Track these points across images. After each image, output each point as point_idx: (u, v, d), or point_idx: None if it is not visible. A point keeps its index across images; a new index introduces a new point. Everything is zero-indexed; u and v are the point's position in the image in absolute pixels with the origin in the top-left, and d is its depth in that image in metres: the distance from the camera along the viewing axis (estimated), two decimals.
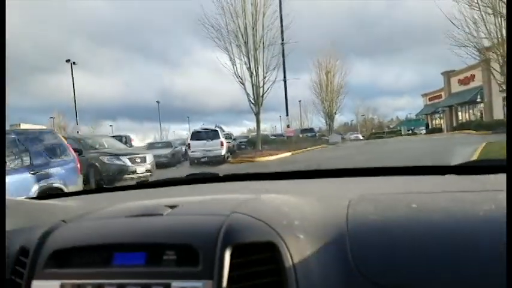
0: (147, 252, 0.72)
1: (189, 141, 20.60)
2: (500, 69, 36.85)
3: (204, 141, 20.08)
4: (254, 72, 22.24)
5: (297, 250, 0.71)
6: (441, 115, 53.85)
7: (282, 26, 23.51)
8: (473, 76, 41.67)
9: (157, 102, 73.04)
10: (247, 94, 22.27)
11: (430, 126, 58.29)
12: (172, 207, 0.85)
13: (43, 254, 0.78)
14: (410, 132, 73.37)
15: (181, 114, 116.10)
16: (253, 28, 21.79)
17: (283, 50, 24.46)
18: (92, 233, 0.81)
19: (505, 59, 24.91)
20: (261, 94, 22.53)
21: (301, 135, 37.42)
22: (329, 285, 0.69)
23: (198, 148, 20.03)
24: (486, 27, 25.71)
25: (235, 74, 22.09)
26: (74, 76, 30.31)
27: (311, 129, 40.92)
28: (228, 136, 28.20)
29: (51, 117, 66.17)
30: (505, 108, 30.73)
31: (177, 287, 0.68)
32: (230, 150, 26.38)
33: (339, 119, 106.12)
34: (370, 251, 0.71)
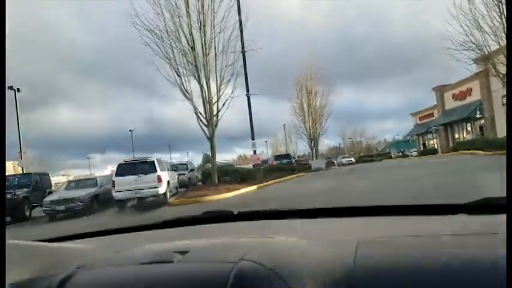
0: None
1: (114, 177, 15.25)
2: (502, 80, 32.52)
3: (135, 177, 14.78)
4: (205, 86, 17.18)
5: None
6: (434, 135, 49.34)
7: (241, 29, 18.68)
8: (469, 90, 37.32)
9: (130, 131, 68.79)
10: (197, 113, 17.18)
11: (421, 147, 53.68)
12: (182, 252, 0.86)
13: None
14: (401, 154, 69.15)
15: (170, 144, 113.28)
16: (200, 29, 16.90)
17: (244, 59, 19.57)
18: (105, 281, 0.83)
19: (505, 60, 20.69)
20: (214, 112, 17.41)
21: (275, 163, 32.47)
22: None
23: (126, 186, 14.70)
24: (490, 24, 21.17)
25: (182, 88, 17.02)
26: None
27: (286, 155, 35.43)
28: (183, 167, 22.94)
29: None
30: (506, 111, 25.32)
31: None
32: (186, 184, 21.12)
33: (327, 142, 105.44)
34: None
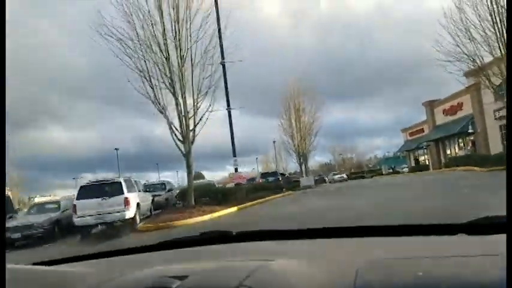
0: None
1: (75, 201, 13.66)
2: (495, 92, 31.69)
3: (98, 200, 13.23)
4: (180, 99, 15.83)
5: None
6: (425, 151, 48.38)
7: (220, 38, 17.46)
8: (460, 104, 36.50)
9: (116, 149, 66.98)
10: (171, 128, 15.76)
11: (412, 163, 52.66)
12: (181, 278, 0.86)
13: None
14: (391, 170, 68.15)
15: (159, 162, 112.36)
16: (175, 38, 15.61)
17: (224, 71, 18.31)
18: None
19: (499, 72, 19.80)
20: (191, 127, 16.01)
21: (261, 181, 31.01)
22: None
23: (89, 211, 13.14)
24: (481, 34, 20.22)
25: (154, 101, 15.62)
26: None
27: (273, 173, 33.62)
28: (160, 187, 21.31)
29: None
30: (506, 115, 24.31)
31: None
32: (162, 206, 19.49)
33: (318, 159, 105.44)
34: None
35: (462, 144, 37.75)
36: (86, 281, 0.98)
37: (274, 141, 66.92)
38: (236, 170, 18.75)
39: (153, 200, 18.18)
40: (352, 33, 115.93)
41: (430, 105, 42.38)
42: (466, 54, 20.90)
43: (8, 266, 0.88)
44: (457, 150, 38.88)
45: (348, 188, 27.12)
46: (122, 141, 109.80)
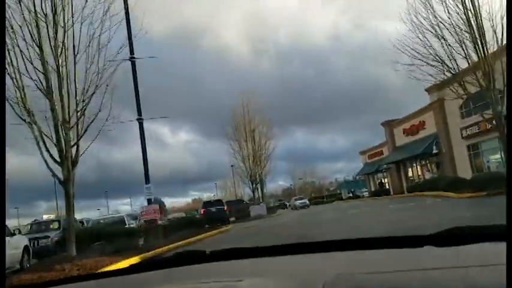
0: None
1: None
2: (463, 108, 28.87)
3: None
4: (58, 101, 11.09)
5: None
6: (385, 174, 45.40)
7: (128, 24, 13.03)
8: (422, 123, 33.64)
9: (53, 176, 59.68)
10: (38, 142, 10.89)
11: (372, 188, 49.57)
12: None
13: None
14: (352, 195, 65.09)
15: (122, 189, 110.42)
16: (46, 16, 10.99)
17: (133, 69, 13.80)
18: None
19: (505, 60, 16.43)
20: (73, 140, 11.24)
21: (203, 211, 26.23)
22: None
23: None
24: (453, 33, 16.94)
25: (19, 103, 10.78)
26: None
27: (217, 202, 27.90)
28: (51, 226, 15.93)
29: None
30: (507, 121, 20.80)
31: None
32: (49, 253, 14.22)
33: (282, 184, 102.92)
34: None
35: (426, 166, 34.75)
36: None
37: (232, 166, 62.54)
38: (149, 201, 13.95)
39: (30, 244, 13.12)
40: (310, 60, 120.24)
41: (389, 125, 39.51)
42: (435, 55, 17.40)
43: None
44: (419, 173, 35.85)
45: (307, 217, 22.87)
46: (79, 169, 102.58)
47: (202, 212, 26.44)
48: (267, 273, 1.10)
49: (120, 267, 1.57)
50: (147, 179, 13.64)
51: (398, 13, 18.65)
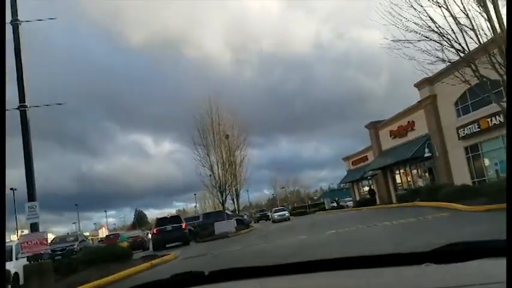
0: None
1: None
2: (458, 104, 25.17)
3: None
4: None
5: None
6: (370, 181, 41.60)
7: None
8: (411, 124, 29.88)
9: (12, 189, 54.97)
10: None
11: (356, 197, 45.74)
12: None
13: None
14: (336, 205, 61.20)
15: (105, 201, 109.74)
16: None
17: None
18: None
19: (504, 58, 12.91)
20: None
21: (156, 231, 21.78)
22: None
23: None
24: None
25: None
26: None
27: (175, 218, 22.83)
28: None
29: None
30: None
31: None
32: None
33: (267, 193, 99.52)
34: None
35: (417, 172, 30.96)
36: None
37: (210, 175, 58.09)
38: (34, 227, 9.30)
39: None
40: (293, 68, 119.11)
41: (374, 127, 35.69)
42: (439, 29, 13.51)
43: None
44: (409, 180, 32.04)
45: (278, 237, 18.66)
46: (60, 179, 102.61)
47: (154, 232, 22.00)
48: None
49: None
50: (30, 195, 9.28)
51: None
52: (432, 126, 26.85)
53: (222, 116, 31.66)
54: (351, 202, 49.15)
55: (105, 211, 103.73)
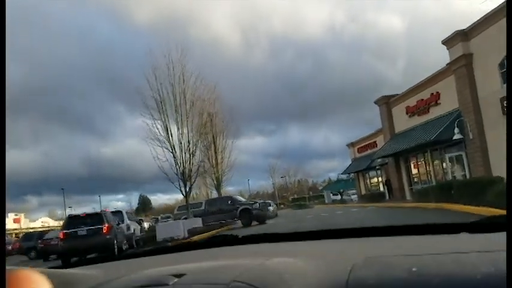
0: None
1: None
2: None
3: None
4: None
5: None
6: (379, 172, 34.46)
7: None
8: (436, 96, 22.52)
9: None
10: None
11: (362, 190, 38.62)
12: (178, 275, 0.89)
13: None
14: (340, 197, 54.08)
15: (114, 185, 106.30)
16: None
17: None
18: None
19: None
20: None
21: (62, 235, 14.92)
22: None
23: None
24: None
25: None
26: None
27: (92, 216, 15.43)
28: None
29: None
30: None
31: None
32: None
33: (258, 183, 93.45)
34: None
35: (440, 161, 23.62)
36: (87, 281, 1.02)
37: (166, 160, 51.15)
38: None
39: None
40: (305, 53, 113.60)
41: (387, 103, 28.31)
42: None
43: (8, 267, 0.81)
44: (429, 170, 24.75)
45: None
46: (69, 162, 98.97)
47: (61, 237, 15.21)
48: (296, 255, 1.09)
49: (154, 249, 1.71)
50: None
51: None
52: (465, 98, 19.52)
53: (191, 86, 24.52)
54: (355, 196, 42.07)
55: (99, 195, 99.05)
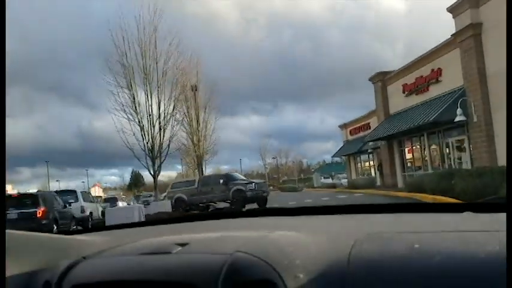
0: None
1: None
2: None
3: None
4: None
5: None
6: (371, 156, 32.14)
7: None
8: (437, 72, 19.91)
9: None
10: None
11: (352, 174, 36.39)
12: (182, 245, 0.90)
13: None
14: (331, 180, 51.86)
15: (106, 159, 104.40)
16: None
17: None
18: (107, 270, 0.89)
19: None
20: None
21: None
22: None
23: None
24: None
25: None
26: None
27: (24, 198, 12.70)
28: None
29: None
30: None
31: None
32: None
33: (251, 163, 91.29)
34: None
35: (438, 146, 21.20)
36: (91, 247, 1.04)
37: (133, 134, 48.64)
38: None
39: None
40: (303, 32, 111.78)
41: (382, 80, 25.66)
42: None
43: (7, 231, 0.96)
44: (424, 155, 22.35)
45: None
46: (62, 134, 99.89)
47: None
48: (298, 229, 1.09)
49: (160, 219, 1.80)
50: None
51: None
52: (470, 74, 16.95)
53: (165, 53, 21.73)
54: (346, 180, 39.81)
55: (86, 169, 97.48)
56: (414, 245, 0.80)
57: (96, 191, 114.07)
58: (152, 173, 21.43)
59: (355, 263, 0.77)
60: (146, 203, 26.04)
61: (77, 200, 18.18)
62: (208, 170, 35.87)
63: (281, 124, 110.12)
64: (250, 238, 0.92)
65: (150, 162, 21.20)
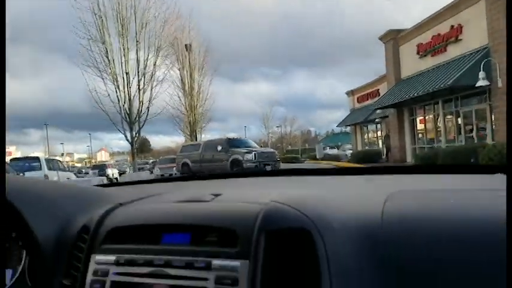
0: (191, 233, 0.80)
1: None
2: None
3: None
4: None
5: (330, 239, 0.74)
6: (379, 126, 29.54)
7: None
8: (457, 30, 17.02)
9: None
10: None
11: (358, 145, 33.90)
12: (216, 195, 0.93)
13: (101, 232, 0.87)
14: (336, 151, 49.29)
15: (116, 122, 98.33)
16: None
17: None
18: (144, 214, 0.90)
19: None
20: None
21: None
22: (361, 273, 0.73)
23: None
24: None
25: None
26: None
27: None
28: None
29: None
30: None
31: (217, 264, 0.75)
32: None
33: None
34: (403, 243, 0.74)
35: (454, 115, 18.55)
36: (129, 197, 1.04)
37: (107, 95, 46.45)
38: None
39: None
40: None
41: (394, 39, 22.70)
42: None
43: (55, 180, 1.07)
44: (438, 126, 19.75)
45: None
46: (71, 95, 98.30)
47: None
48: (330, 186, 1.08)
49: (196, 175, 1.78)
50: None
51: None
52: (497, 29, 14.12)
53: (144, 2, 19.02)
54: (351, 151, 37.32)
55: (89, 133, 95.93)
56: (450, 200, 0.81)
57: (103, 156, 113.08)
58: (130, 138, 19.28)
59: (389, 215, 0.78)
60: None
61: (40, 168, 16.16)
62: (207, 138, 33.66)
63: (290, 92, 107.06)
64: (283, 192, 0.92)
65: (127, 127, 19.02)
